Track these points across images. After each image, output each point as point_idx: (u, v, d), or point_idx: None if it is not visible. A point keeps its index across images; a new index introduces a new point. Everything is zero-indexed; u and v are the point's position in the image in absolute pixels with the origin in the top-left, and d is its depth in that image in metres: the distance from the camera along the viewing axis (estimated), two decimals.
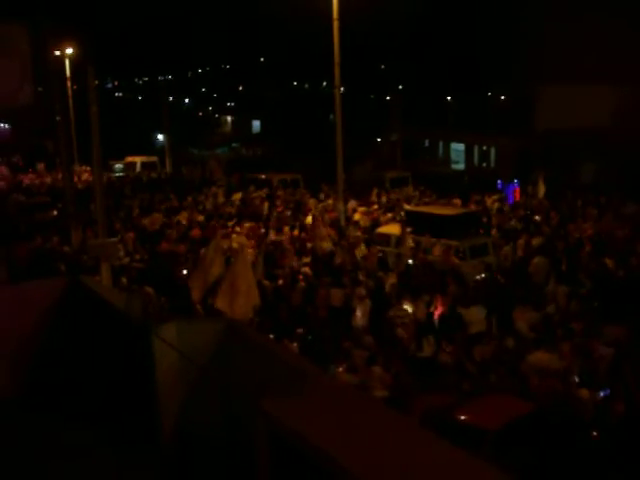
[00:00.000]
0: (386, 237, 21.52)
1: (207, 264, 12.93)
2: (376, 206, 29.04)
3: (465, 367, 11.35)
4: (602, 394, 10.46)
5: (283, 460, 4.33)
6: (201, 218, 26.65)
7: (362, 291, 15.03)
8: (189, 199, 32.36)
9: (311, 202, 30.45)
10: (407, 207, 25.52)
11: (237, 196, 33.00)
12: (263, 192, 33.83)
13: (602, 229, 23.04)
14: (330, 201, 30.06)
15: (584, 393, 10.42)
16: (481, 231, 22.41)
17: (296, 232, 23.00)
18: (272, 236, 22.11)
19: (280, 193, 33.83)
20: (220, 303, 11.60)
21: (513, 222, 25.44)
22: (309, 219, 25.35)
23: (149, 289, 13.31)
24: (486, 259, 19.46)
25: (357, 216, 26.61)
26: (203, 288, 12.79)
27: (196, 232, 23.14)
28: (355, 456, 3.81)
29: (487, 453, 7.72)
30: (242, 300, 11.58)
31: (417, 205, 27.63)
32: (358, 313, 14.31)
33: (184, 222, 25.29)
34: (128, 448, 6.58)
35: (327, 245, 20.48)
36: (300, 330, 12.06)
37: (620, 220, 24.55)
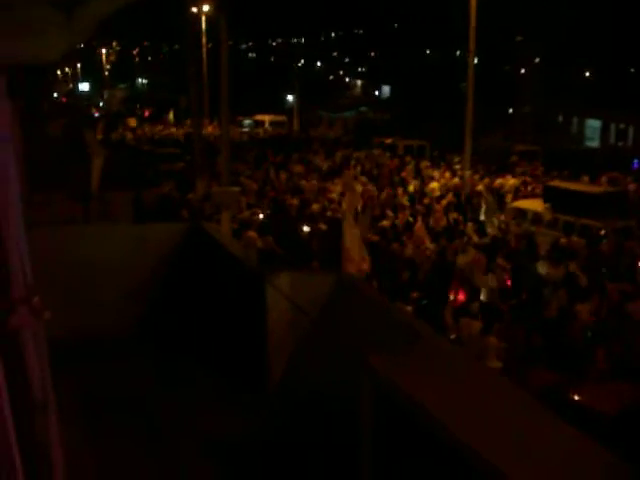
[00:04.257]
0: (522, 212, 20.81)
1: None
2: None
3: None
4: None
5: (387, 419, 4.16)
6: (300, 169, 27.97)
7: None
8: (294, 155, 33.40)
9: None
10: (549, 183, 24.43)
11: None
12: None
13: None
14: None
15: None
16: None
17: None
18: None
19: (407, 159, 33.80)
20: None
21: None
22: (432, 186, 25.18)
23: (252, 233, 13.37)
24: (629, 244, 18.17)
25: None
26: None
27: (308, 185, 23.77)
28: (465, 423, 3.59)
29: (601, 438, 7.34)
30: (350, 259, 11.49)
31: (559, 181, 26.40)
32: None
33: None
34: (235, 393, 6.62)
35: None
36: (415, 294, 11.83)
37: None
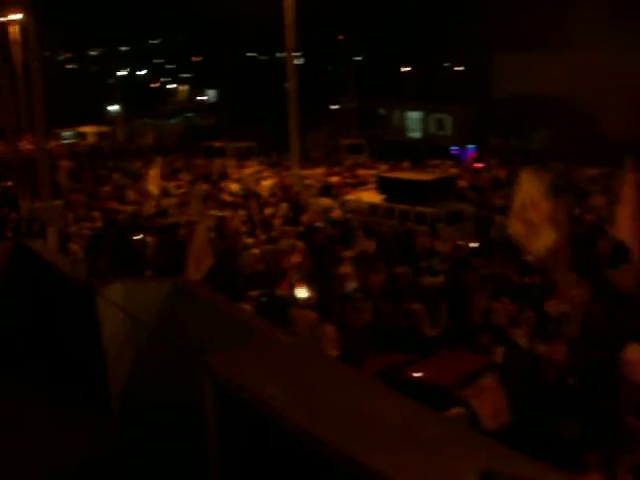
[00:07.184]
0: (358, 203, 21.32)
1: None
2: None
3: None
4: None
5: (231, 416, 4.17)
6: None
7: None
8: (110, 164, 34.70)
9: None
10: (380, 173, 25.09)
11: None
12: None
13: None
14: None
15: None
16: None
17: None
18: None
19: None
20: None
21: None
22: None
23: (75, 246, 13.06)
24: (462, 227, 18.72)
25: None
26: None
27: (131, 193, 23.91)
28: (304, 408, 3.65)
29: (441, 408, 7.68)
30: (196, 263, 11.39)
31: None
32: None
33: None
34: (75, 411, 6.38)
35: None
36: (254, 292, 11.88)
37: None
